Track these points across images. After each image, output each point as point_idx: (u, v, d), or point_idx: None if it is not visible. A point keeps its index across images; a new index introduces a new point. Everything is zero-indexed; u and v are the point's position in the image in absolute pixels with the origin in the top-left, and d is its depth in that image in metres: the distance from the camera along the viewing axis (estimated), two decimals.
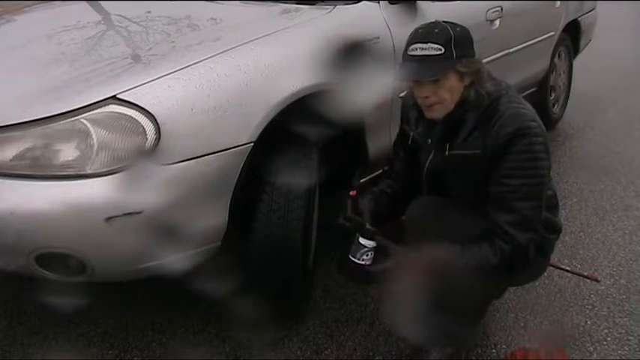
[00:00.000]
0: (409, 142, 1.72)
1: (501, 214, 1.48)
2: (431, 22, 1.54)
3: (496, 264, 1.46)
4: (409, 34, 1.55)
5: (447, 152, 1.58)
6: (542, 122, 1.55)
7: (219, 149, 1.56)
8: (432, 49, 1.47)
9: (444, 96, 1.52)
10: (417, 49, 1.49)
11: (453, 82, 1.51)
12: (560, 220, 1.74)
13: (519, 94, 1.64)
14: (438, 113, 1.56)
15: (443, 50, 1.46)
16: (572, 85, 4.03)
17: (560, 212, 1.74)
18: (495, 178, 1.49)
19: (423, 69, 1.49)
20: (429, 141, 1.64)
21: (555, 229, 1.70)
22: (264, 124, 1.63)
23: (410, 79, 1.56)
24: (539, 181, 1.50)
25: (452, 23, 1.53)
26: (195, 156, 1.52)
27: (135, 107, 1.48)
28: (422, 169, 1.67)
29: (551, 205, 1.65)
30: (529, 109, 1.55)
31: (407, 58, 1.52)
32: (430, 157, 1.64)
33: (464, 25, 1.55)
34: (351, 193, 1.59)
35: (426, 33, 1.51)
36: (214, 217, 1.61)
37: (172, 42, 1.86)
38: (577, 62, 4.05)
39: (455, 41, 1.47)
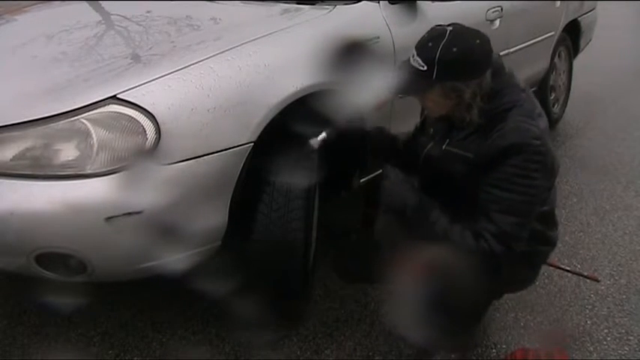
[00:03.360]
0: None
1: (483, 221, 1.46)
2: (436, 29, 1.49)
3: (464, 245, 1.45)
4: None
5: (444, 146, 1.58)
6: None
7: (219, 149, 1.56)
8: (418, 64, 1.45)
9: (427, 104, 1.58)
10: (413, 56, 1.48)
11: (434, 96, 1.50)
12: (556, 235, 1.69)
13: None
14: (430, 113, 1.63)
15: (425, 68, 1.44)
16: (572, 85, 4.03)
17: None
18: (483, 185, 1.48)
19: (407, 82, 1.49)
20: (432, 130, 1.65)
21: (549, 243, 1.67)
22: (264, 124, 1.63)
23: (394, 91, 1.64)
24: (527, 200, 1.45)
25: (455, 38, 1.45)
26: (195, 156, 1.52)
27: (135, 107, 1.48)
28: (420, 156, 1.67)
29: (546, 220, 1.62)
30: (538, 126, 1.49)
31: (407, 60, 1.52)
32: (429, 146, 1.64)
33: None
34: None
35: (423, 42, 1.47)
36: (214, 217, 1.61)
37: (172, 42, 1.86)
38: (577, 62, 4.05)
39: (439, 62, 1.42)
